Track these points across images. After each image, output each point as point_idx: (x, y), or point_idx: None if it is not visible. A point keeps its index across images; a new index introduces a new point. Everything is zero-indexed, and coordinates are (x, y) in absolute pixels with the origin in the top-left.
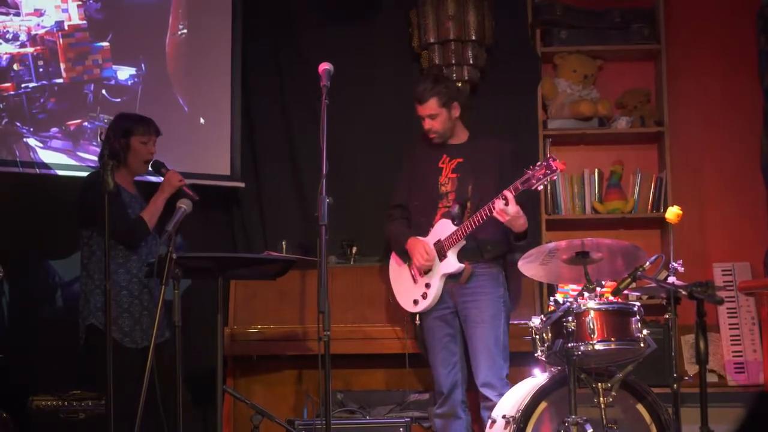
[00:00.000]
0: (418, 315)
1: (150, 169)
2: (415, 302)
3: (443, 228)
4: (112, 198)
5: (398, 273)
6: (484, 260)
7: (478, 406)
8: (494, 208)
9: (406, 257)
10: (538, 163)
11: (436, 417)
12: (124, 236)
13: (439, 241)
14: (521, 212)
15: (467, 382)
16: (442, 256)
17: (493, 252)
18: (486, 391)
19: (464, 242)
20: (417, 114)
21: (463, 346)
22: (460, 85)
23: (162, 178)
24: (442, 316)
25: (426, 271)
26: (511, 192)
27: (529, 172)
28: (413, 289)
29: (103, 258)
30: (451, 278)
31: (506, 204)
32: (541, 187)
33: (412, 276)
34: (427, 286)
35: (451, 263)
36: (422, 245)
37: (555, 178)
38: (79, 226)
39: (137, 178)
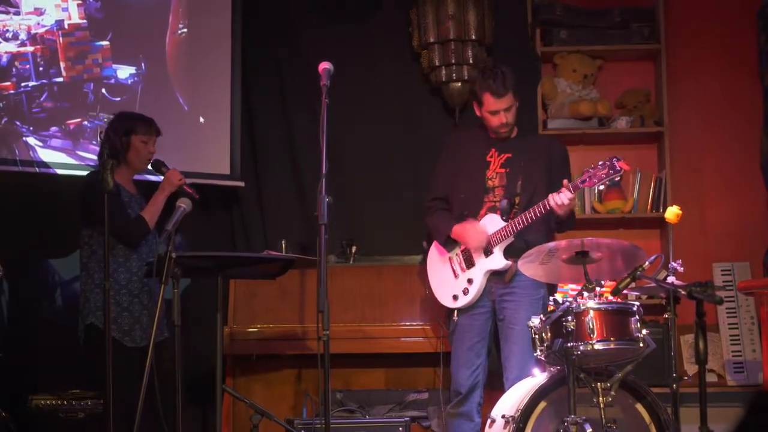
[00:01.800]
0: (456, 311)
1: (150, 168)
2: (455, 297)
3: (491, 223)
4: (111, 197)
5: (438, 267)
6: None
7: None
8: (555, 201)
9: (450, 246)
10: (601, 162)
11: (448, 415)
12: (124, 235)
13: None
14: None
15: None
16: (488, 251)
17: None
18: None
19: (512, 239)
20: (486, 110)
21: (493, 345)
22: (459, 85)
23: (162, 177)
24: (477, 317)
25: (468, 262)
26: (569, 191)
27: (591, 170)
28: (454, 284)
29: (103, 257)
30: (494, 275)
31: (569, 199)
32: (602, 187)
33: (453, 270)
34: (470, 281)
35: (498, 260)
36: (472, 226)
37: (618, 178)
38: (79, 225)
39: (136, 177)
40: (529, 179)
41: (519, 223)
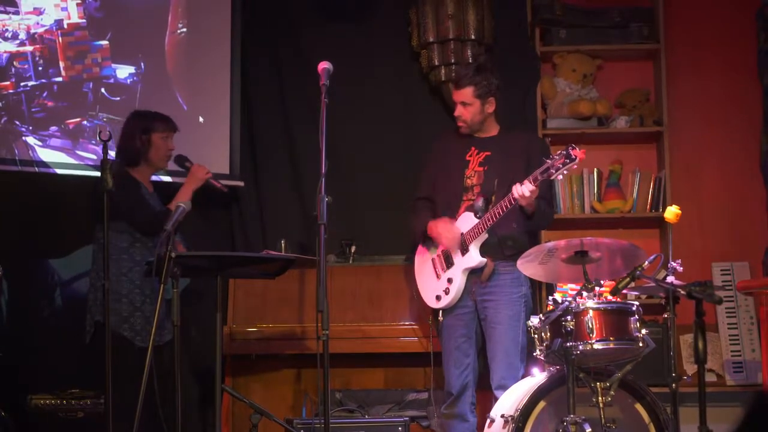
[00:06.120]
0: (441, 311)
1: (174, 163)
2: (438, 298)
3: (466, 221)
4: (133, 192)
5: (422, 269)
6: (505, 257)
7: (484, 407)
8: (517, 192)
9: (431, 245)
10: (558, 152)
11: (443, 417)
12: (150, 227)
13: (461, 234)
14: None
15: (477, 384)
16: (464, 250)
17: (514, 248)
18: (499, 393)
19: (486, 235)
20: (452, 98)
21: (480, 346)
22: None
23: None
24: (460, 316)
25: (447, 262)
26: (531, 182)
27: (549, 161)
28: (436, 285)
29: (114, 253)
30: (473, 273)
31: (530, 191)
32: (560, 177)
33: (435, 272)
34: (449, 281)
35: (473, 257)
36: (442, 224)
37: (575, 167)
38: (79, 223)
39: (153, 177)
40: (505, 176)
41: (489, 219)
